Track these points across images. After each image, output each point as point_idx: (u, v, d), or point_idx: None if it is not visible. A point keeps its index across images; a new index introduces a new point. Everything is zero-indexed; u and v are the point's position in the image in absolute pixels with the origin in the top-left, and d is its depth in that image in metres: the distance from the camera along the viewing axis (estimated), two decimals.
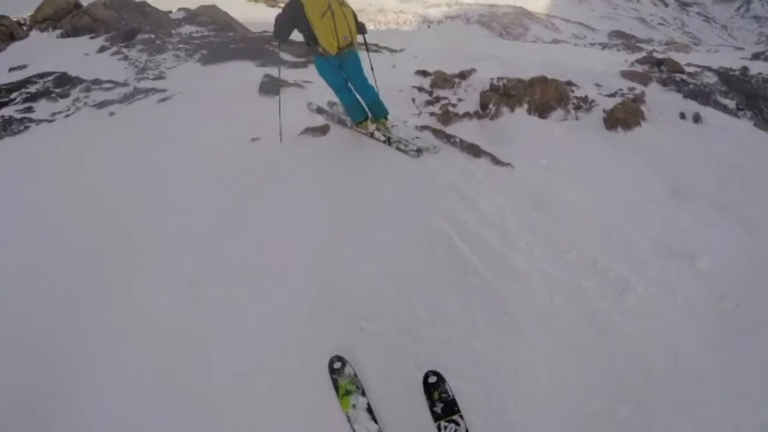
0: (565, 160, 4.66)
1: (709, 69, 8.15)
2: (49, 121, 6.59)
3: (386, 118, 4.78)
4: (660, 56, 8.54)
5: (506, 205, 3.85)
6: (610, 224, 3.98)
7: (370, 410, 2.18)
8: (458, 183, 3.96)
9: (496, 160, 4.33)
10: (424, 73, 6.96)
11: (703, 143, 5.25)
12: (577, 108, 5.71)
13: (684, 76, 7.41)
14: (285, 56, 7.75)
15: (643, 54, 13.03)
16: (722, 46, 17.17)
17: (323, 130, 4.86)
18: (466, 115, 5.28)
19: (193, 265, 3.40)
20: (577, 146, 4.90)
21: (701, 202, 4.28)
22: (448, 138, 4.56)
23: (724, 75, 7.66)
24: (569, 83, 6.43)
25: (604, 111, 5.35)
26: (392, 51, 9.50)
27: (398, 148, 4.46)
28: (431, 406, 2.21)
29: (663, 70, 7.64)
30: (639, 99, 5.88)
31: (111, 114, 6.37)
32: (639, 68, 7.89)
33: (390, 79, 6.66)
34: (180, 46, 9.92)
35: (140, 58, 9.47)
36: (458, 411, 2.20)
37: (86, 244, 3.72)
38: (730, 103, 6.61)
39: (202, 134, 5.11)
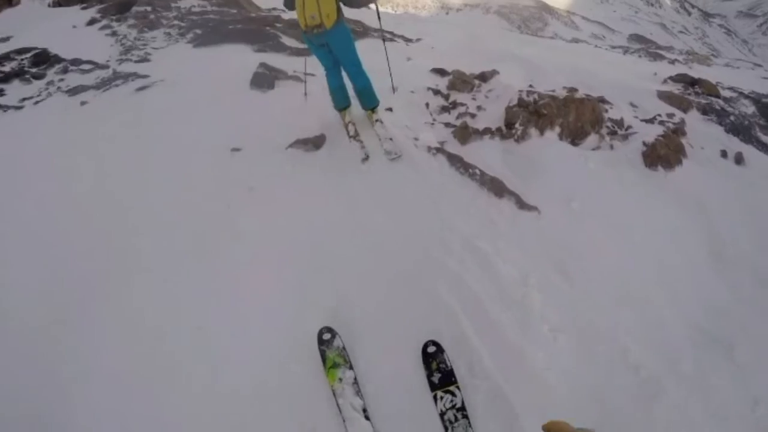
0: (599, 204, 3.86)
1: (744, 95, 7.32)
2: (17, 108, 5.73)
3: (374, 110, 4.34)
4: (695, 75, 7.63)
5: (531, 269, 3.07)
6: (646, 295, 3.32)
7: (356, 384, 2.05)
8: (475, 236, 3.12)
9: (521, 203, 3.51)
10: (441, 72, 5.99)
11: (746, 193, 4.51)
12: (612, 134, 4.86)
13: (721, 102, 6.58)
14: (287, 40, 6.70)
15: (672, 66, 12.09)
16: (740, 61, 16.15)
17: (316, 142, 3.94)
18: (488, 131, 4.41)
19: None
20: (612, 186, 4.09)
21: (742, 269, 3.68)
22: (466, 168, 3.69)
23: (761, 105, 6.84)
24: (602, 100, 5.56)
25: (644, 144, 4.52)
26: (408, 41, 8.41)
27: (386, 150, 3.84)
28: (429, 375, 2.10)
29: (699, 92, 6.79)
30: (680, 130, 5.05)
31: (82, 103, 5.46)
32: (673, 87, 7.02)
33: (404, 74, 5.70)
34: (175, 23, 8.64)
35: (129, 35, 8.25)
36: (455, 382, 2.09)
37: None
38: None
39: (175, 139, 4.19)
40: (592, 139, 4.58)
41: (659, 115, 5.34)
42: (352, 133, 4.11)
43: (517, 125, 4.31)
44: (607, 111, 5.20)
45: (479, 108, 5.26)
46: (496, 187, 3.52)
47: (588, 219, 3.69)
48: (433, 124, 4.72)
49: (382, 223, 3.22)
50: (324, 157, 3.85)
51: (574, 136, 4.43)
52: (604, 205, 3.86)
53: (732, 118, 5.80)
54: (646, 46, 15.93)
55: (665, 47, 15.41)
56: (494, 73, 6.42)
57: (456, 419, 1.96)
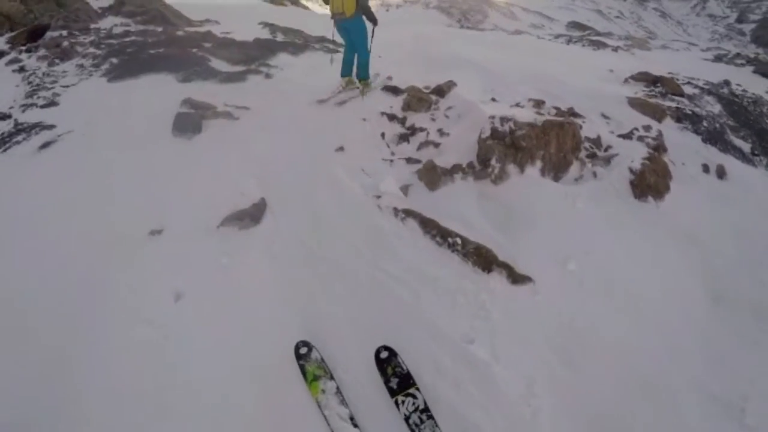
0: (595, 260, 3.14)
1: (703, 90, 6.97)
2: None
3: (366, 80, 5.20)
4: (643, 65, 7.20)
5: (535, 370, 2.30)
6: (652, 368, 2.74)
7: (339, 393, 1.97)
8: (468, 339, 2.30)
9: (513, 275, 2.71)
10: (394, 91, 5.06)
11: (733, 214, 4.03)
12: (592, 156, 4.17)
13: (686, 101, 6.15)
14: (218, 63, 5.47)
15: (617, 55, 11.78)
16: (676, 41, 16.38)
17: (255, 214, 2.91)
18: (458, 169, 3.57)
19: None
20: (605, 232, 3.37)
21: (742, 309, 3.24)
22: (444, 237, 2.81)
23: (725, 102, 6.49)
24: (573, 113, 4.88)
25: (631, 171, 3.87)
26: None
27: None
28: (386, 382, 2.01)
29: (664, 92, 6.32)
30: (661, 146, 4.45)
31: None
32: (636, 87, 6.52)
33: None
34: (90, 50, 6.99)
35: (38, 70, 6.60)
36: (414, 384, 1.99)
37: None
38: (745, 146, 5.43)
39: (74, 223, 3.05)
40: (573, 168, 3.87)
41: (636, 129, 4.72)
42: (341, 87, 4.94)
43: (492, 161, 3.50)
44: (581, 127, 4.52)
45: (441, 132, 4.40)
46: (483, 260, 2.69)
47: (586, 283, 2.96)
48: (392, 161, 3.82)
49: (353, 340, 2.30)
50: (266, 236, 2.84)
51: (557, 170, 3.69)
52: (599, 260, 3.15)
53: (705, 123, 5.31)
54: (585, 33, 15.69)
55: (604, 33, 15.24)
56: (451, 85, 5.57)
57: (421, 421, 1.85)
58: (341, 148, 3.62)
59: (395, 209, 2.93)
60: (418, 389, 1.98)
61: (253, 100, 4.25)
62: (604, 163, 4.09)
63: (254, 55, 5.69)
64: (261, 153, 3.42)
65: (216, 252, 2.66)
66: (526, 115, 3.96)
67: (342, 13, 4.48)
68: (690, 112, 5.49)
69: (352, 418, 1.86)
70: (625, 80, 6.83)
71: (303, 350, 2.12)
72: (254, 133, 3.68)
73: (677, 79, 7.63)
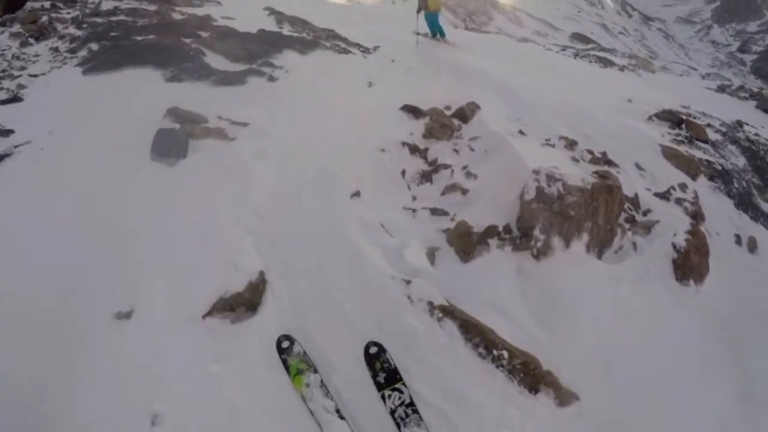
0: (638, 358, 2.71)
1: (725, 135, 6.58)
2: None
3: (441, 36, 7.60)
4: (681, 115, 6.72)
5: None
6: None
7: (324, 387, 1.90)
8: None
9: (560, 396, 2.20)
10: (414, 112, 4.36)
11: (763, 294, 3.68)
12: (631, 221, 3.68)
13: (711, 150, 5.74)
14: (214, 59, 4.52)
15: (624, 76, 11.34)
16: (676, 63, 16.09)
17: (250, 300, 2.18)
18: (493, 233, 2.97)
19: None
20: (648, 327, 2.93)
21: None
22: (488, 348, 2.17)
23: (749, 154, 6.13)
24: (608, 161, 4.36)
25: (675, 248, 3.40)
26: (365, 50, 6.48)
27: None
28: (374, 376, 1.96)
29: (691, 138, 5.88)
30: (699, 214, 4.02)
31: None
32: (661, 127, 6.05)
33: (369, 116, 4.04)
34: (69, 30, 5.75)
35: (8, 51, 5.38)
36: (401, 379, 1.94)
37: None
38: None
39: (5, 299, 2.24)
40: (616, 240, 3.37)
41: (673, 189, 4.24)
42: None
43: (536, 232, 2.93)
44: (612, 178, 4.00)
45: (468, 173, 3.78)
46: (531, 378, 2.14)
47: (629, 394, 2.52)
48: (415, 211, 3.20)
49: None
50: (266, 333, 2.13)
51: (602, 243, 3.17)
52: (643, 364, 2.69)
53: (736, 184, 4.91)
54: (589, 47, 15.17)
55: (608, 49, 14.75)
56: (474, 108, 4.92)
57: (407, 415, 1.83)
58: (357, 194, 2.96)
59: (430, 305, 2.27)
60: (404, 384, 1.92)
61: (252, 111, 3.48)
62: (644, 231, 3.60)
63: (257, 52, 4.79)
64: (260, 194, 2.71)
65: (203, 354, 1.97)
66: (573, 172, 3.38)
67: (427, 8, 7.11)
68: (720, 168, 5.07)
69: (338, 411, 1.81)
70: (650, 117, 6.33)
71: (285, 344, 1.99)
72: (252, 161, 2.93)
73: (691, 116, 7.21)
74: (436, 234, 3.00)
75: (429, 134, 4.16)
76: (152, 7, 6.37)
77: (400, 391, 1.91)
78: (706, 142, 5.88)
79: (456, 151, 4.18)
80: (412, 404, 1.87)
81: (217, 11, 6.31)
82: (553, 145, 4.42)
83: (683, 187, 4.32)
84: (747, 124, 8.02)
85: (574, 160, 4.16)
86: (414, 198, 3.38)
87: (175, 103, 3.41)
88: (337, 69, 5.05)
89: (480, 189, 3.50)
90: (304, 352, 2.02)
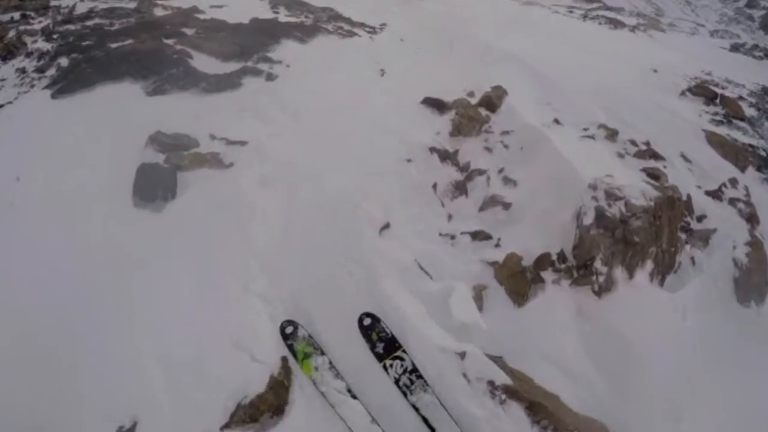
0: (709, 408, 2.38)
1: (760, 111, 6.05)
2: None
3: None
4: (715, 89, 6.12)
5: None
6: None
7: (333, 368, 1.82)
8: None
9: None
10: (438, 106, 3.74)
11: None
12: (687, 230, 3.25)
13: (749, 129, 5.26)
14: (202, 61, 3.71)
15: (636, 38, 10.55)
16: (683, 20, 15.13)
17: (276, 404, 1.73)
18: (546, 262, 2.53)
19: None
20: (715, 357, 2.58)
21: None
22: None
23: None
24: (654, 155, 3.85)
25: (735, 264, 2.99)
26: (371, 30, 5.60)
27: None
28: (372, 347, 1.87)
29: (728, 116, 5.36)
30: (754, 217, 3.58)
31: None
32: (697, 105, 5.50)
33: (387, 114, 3.43)
34: (37, 45, 4.62)
35: None
36: (400, 347, 1.85)
37: None
38: None
39: None
40: (676, 256, 2.95)
41: (725, 186, 3.79)
42: None
43: (597, 263, 2.50)
44: (663, 178, 3.52)
45: (506, 179, 3.25)
46: None
47: None
48: (453, 237, 2.71)
49: None
50: None
51: (666, 269, 2.75)
52: (708, 414, 2.38)
53: None
54: (595, 6, 14.07)
55: (615, 8, 13.78)
56: (501, 94, 4.31)
57: (411, 382, 1.75)
58: (386, 226, 2.45)
59: (491, 385, 1.81)
60: (404, 351, 1.84)
61: (250, 124, 2.86)
62: (702, 243, 3.17)
63: (251, 45, 3.98)
64: (267, 237, 2.18)
65: None
66: (630, 181, 2.89)
67: None
68: (766, 155, 4.61)
69: (349, 390, 1.75)
70: (682, 93, 5.76)
71: (289, 329, 1.90)
72: (254, 193, 2.34)
73: (719, 85, 6.63)
74: (481, 268, 2.54)
75: (457, 131, 3.59)
76: (132, 4, 5.36)
77: (401, 359, 1.82)
78: (742, 119, 5.38)
79: (488, 149, 3.63)
80: (415, 370, 1.80)
81: (204, 1, 5.38)
82: (593, 137, 3.88)
83: (734, 182, 3.86)
84: None
85: (620, 156, 3.65)
86: (449, 217, 2.88)
87: (159, 122, 2.75)
88: (344, 57, 4.32)
89: (523, 202, 3.01)
90: (310, 335, 1.94)
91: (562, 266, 2.57)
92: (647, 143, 4.00)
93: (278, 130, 2.93)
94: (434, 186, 2.99)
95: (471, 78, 4.81)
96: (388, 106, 3.55)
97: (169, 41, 3.87)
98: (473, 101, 4.21)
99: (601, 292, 2.47)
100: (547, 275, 2.55)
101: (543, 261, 2.58)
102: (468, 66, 5.17)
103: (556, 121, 4.06)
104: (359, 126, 3.15)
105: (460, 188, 3.09)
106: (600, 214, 2.57)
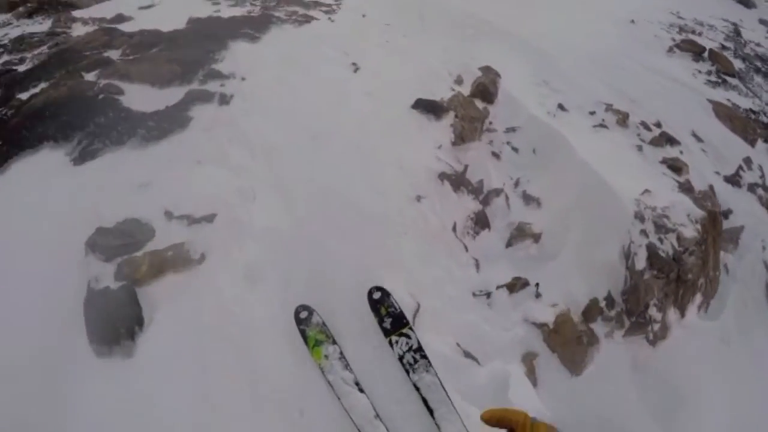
0: None
1: (745, 62, 5.79)
2: None
3: None
4: (694, 38, 5.73)
5: None
6: None
7: (343, 358, 1.72)
8: None
9: None
10: (434, 110, 3.06)
11: None
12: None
13: (741, 87, 5.01)
14: (136, 94, 2.64)
15: (667, 27, 9.99)
16: None
17: None
18: (595, 311, 2.14)
19: None
20: (755, 387, 2.38)
21: None
22: None
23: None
24: (668, 137, 3.47)
25: (766, 266, 2.75)
26: (327, 9, 4.50)
27: None
28: (380, 322, 1.79)
29: (718, 72, 5.05)
30: None
31: None
32: (688, 63, 5.14)
33: (375, 135, 2.77)
34: None
35: None
36: (407, 323, 1.79)
37: None
38: None
39: None
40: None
41: (741, 169, 3.50)
42: None
43: (652, 310, 2.13)
44: (685, 170, 3.18)
45: (526, 197, 2.77)
46: None
47: None
48: (489, 296, 2.25)
49: None
50: None
51: (710, 296, 2.43)
52: None
53: None
54: None
55: None
56: (494, 78, 3.72)
57: (415, 360, 1.69)
58: (418, 309, 1.92)
59: None
60: (411, 329, 1.78)
61: (214, 181, 2.10)
62: (732, 246, 2.89)
63: (193, 58, 2.97)
64: (275, 368, 1.58)
65: None
66: (673, 199, 2.48)
67: None
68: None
69: (357, 383, 1.66)
70: (670, 49, 5.36)
71: (303, 314, 1.81)
72: (242, 301, 1.64)
73: (692, 30, 6.32)
74: (526, 330, 2.12)
75: (460, 139, 3.00)
76: (45, 25, 3.96)
77: (408, 336, 1.75)
78: (733, 75, 5.10)
79: (496, 155, 3.10)
80: (420, 349, 1.73)
81: (131, 3, 4.11)
82: (605, 125, 3.43)
83: (749, 163, 3.60)
84: (742, 27, 7.22)
85: (639, 148, 3.24)
86: (477, 265, 2.39)
87: (96, 205, 1.91)
88: (306, 53, 3.49)
89: (553, 229, 2.55)
90: (323, 323, 1.82)
91: (612, 313, 2.20)
92: (658, 124, 3.61)
93: (250, 182, 2.24)
94: (454, 227, 2.46)
95: (454, 58, 4.14)
96: (375, 119, 2.87)
97: (92, 75, 2.83)
98: (464, 91, 3.60)
99: (656, 340, 2.13)
100: (599, 328, 2.17)
101: (592, 311, 2.18)
102: (447, 42, 4.46)
103: (561, 107, 3.57)
104: (347, 158, 2.49)
105: (481, 220, 2.58)
106: (652, 253, 2.17)
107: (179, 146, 2.38)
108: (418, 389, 1.63)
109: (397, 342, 1.75)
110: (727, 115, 3.90)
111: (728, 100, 4.34)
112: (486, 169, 2.91)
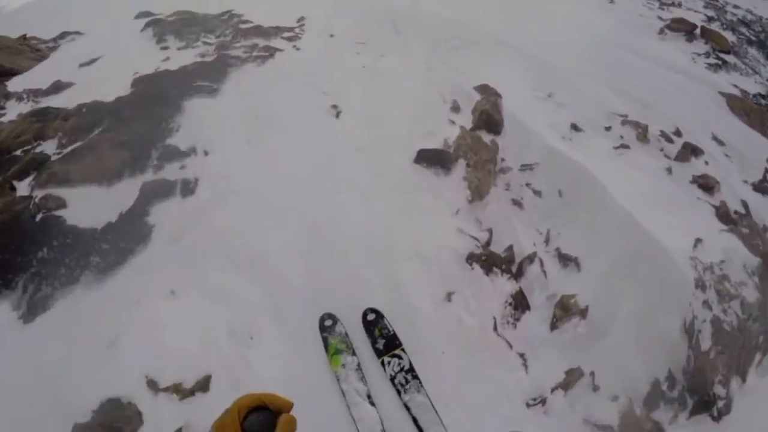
0: None
1: (735, 33, 5.50)
2: None
3: None
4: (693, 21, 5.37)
5: None
6: None
7: (360, 370, 1.72)
8: None
9: None
10: (439, 161, 2.57)
11: None
12: None
13: (740, 64, 4.72)
14: (79, 205, 2.05)
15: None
16: None
17: None
18: (658, 395, 1.80)
19: None
20: None
21: None
22: None
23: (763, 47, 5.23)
24: (693, 147, 3.13)
25: None
26: (291, 37, 3.79)
27: None
28: (373, 343, 1.81)
29: (715, 50, 4.73)
30: None
31: None
32: (680, 44, 4.79)
33: (377, 210, 2.31)
34: None
35: None
36: (400, 345, 1.79)
37: None
38: None
39: None
40: None
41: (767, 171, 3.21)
42: None
43: (716, 387, 1.81)
44: (716, 188, 2.87)
45: (561, 258, 2.36)
46: None
47: None
48: (543, 402, 1.87)
49: None
50: None
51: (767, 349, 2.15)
52: None
53: None
54: None
55: None
56: (495, 100, 3.25)
57: (407, 381, 1.71)
58: None
59: None
60: (403, 350, 1.79)
61: (195, 318, 1.59)
62: None
63: (144, 135, 2.22)
64: None
65: None
66: (729, 251, 2.14)
67: None
68: None
69: (369, 396, 1.65)
70: (661, 31, 5.01)
71: (328, 322, 1.82)
72: None
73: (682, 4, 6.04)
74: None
75: (477, 194, 2.57)
76: None
77: (400, 357, 1.77)
78: (728, 52, 4.80)
79: (517, 203, 2.67)
80: (411, 370, 1.74)
81: (72, 58, 3.36)
82: (627, 145, 3.05)
83: None
84: None
85: (668, 171, 2.89)
86: (524, 362, 2.01)
87: (60, 377, 1.37)
88: (276, 101, 2.91)
89: (600, 302, 2.16)
90: (346, 333, 1.83)
91: (674, 393, 1.90)
92: (678, 132, 3.28)
93: (241, 316, 1.75)
94: (494, 325, 2.05)
95: (442, 77, 3.64)
96: (377, 190, 2.39)
97: (25, 185, 2.16)
98: (465, 121, 3.15)
99: (720, 416, 1.86)
100: (662, 414, 1.86)
101: (654, 397, 1.87)
102: (430, 56, 3.94)
103: (575, 128, 3.17)
104: (356, 264, 2.01)
105: (520, 303, 2.19)
106: (717, 328, 1.86)
107: (144, 274, 1.86)
108: (408, 409, 1.63)
109: (389, 363, 1.75)
110: (741, 108, 3.58)
111: (735, 86, 4.03)
112: (511, 227, 2.49)
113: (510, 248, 2.38)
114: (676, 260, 2.07)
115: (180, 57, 3.43)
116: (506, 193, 2.73)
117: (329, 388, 1.68)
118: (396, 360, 1.76)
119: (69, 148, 2.45)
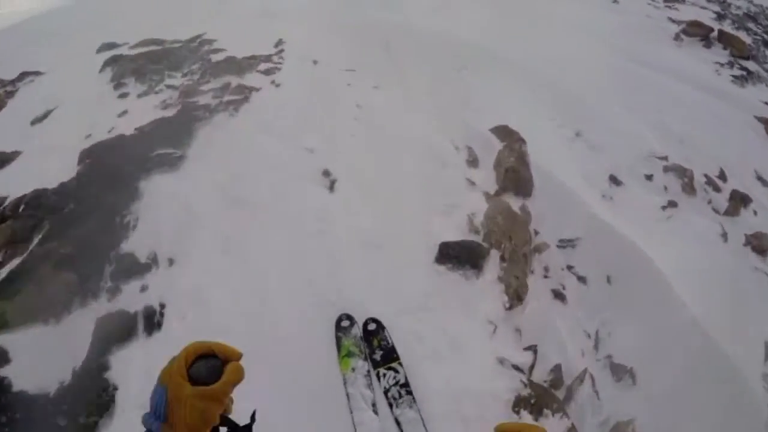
0: None
1: (750, 34, 5.10)
2: None
3: None
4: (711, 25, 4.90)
5: None
6: None
7: (368, 377, 1.69)
8: None
9: None
10: (468, 258, 2.03)
11: None
12: None
13: (762, 72, 4.35)
14: (23, 369, 1.46)
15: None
16: None
17: None
18: None
19: None
20: None
21: None
22: None
23: None
24: (741, 196, 2.74)
25: None
26: (268, 69, 3.01)
27: None
28: (371, 353, 1.76)
29: (734, 56, 4.33)
30: None
31: None
32: (698, 50, 4.36)
33: (406, 342, 1.82)
34: None
35: None
36: (397, 358, 1.75)
37: None
38: None
39: None
40: None
41: None
42: None
43: None
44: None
45: (617, 371, 1.94)
46: None
47: None
48: None
49: None
50: None
51: None
52: None
53: None
54: None
55: None
56: (518, 147, 2.74)
57: (400, 395, 1.66)
58: None
59: None
60: (400, 364, 1.72)
61: None
62: None
63: (90, 245, 1.59)
64: None
65: None
66: None
67: None
68: None
69: (374, 404, 1.61)
70: (677, 36, 4.55)
71: (345, 323, 1.78)
72: None
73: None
74: None
75: (516, 298, 2.10)
76: None
77: (396, 371, 1.72)
78: (748, 57, 4.42)
79: (559, 295, 2.22)
80: (406, 385, 1.68)
81: (26, 110, 2.62)
82: (675, 203, 2.63)
83: None
84: None
85: (723, 237, 2.49)
86: None
87: None
88: (254, 170, 2.31)
89: (661, 424, 1.81)
90: (361, 337, 1.77)
91: None
92: (722, 176, 2.91)
93: None
94: None
95: (450, 112, 3.10)
96: (393, 313, 1.89)
97: None
98: (484, 178, 2.65)
99: None
100: None
101: None
102: (432, 85, 3.37)
103: (614, 180, 2.73)
104: None
105: None
106: None
107: None
108: (398, 424, 1.58)
109: (384, 375, 1.71)
110: None
111: (766, 103, 3.66)
112: (555, 333, 2.05)
113: (557, 368, 1.94)
114: (747, 379, 1.70)
115: (139, 108, 2.74)
116: (545, 282, 2.27)
117: (335, 388, 1.63)
118: (392, 373, 1.71)
119: (4, 271, 1.82)
